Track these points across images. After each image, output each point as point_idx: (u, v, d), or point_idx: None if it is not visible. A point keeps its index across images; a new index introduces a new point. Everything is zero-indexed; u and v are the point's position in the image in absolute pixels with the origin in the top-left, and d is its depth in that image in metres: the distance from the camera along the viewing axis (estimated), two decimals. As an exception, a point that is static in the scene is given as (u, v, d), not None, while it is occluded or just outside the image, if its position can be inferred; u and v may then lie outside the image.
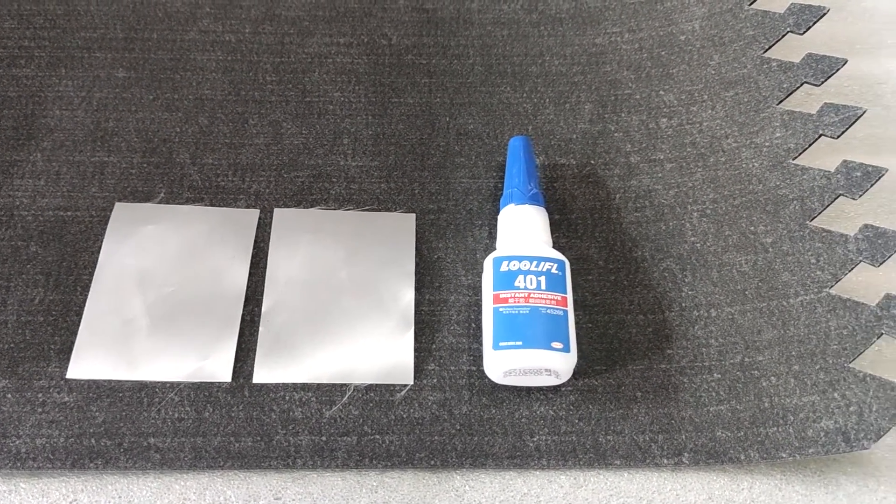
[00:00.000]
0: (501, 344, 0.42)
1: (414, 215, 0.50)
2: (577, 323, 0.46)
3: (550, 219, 0.50)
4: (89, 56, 0.55)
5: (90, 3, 0.57)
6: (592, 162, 0.52)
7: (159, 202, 0.49)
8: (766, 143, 0.50)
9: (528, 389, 0.44)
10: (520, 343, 0.42)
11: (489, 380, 0.44)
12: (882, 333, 0.42)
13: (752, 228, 0.48)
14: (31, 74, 0.54)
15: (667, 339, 0.46)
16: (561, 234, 0.50)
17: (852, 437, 0.41)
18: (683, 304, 0.47)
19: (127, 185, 0.50)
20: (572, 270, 0.48)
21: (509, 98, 0.55)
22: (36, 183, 0.49)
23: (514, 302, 0.43)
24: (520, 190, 0.48)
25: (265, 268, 0.47)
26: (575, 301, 0.47)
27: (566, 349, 0.42)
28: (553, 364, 0.42)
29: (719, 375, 0.44)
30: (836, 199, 0.47)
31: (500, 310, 0.43)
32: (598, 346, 0.46)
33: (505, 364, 0.42)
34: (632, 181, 0.51)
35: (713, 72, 0.54)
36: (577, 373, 0.45)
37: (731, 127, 0.52)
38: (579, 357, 0.45)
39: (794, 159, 0.49)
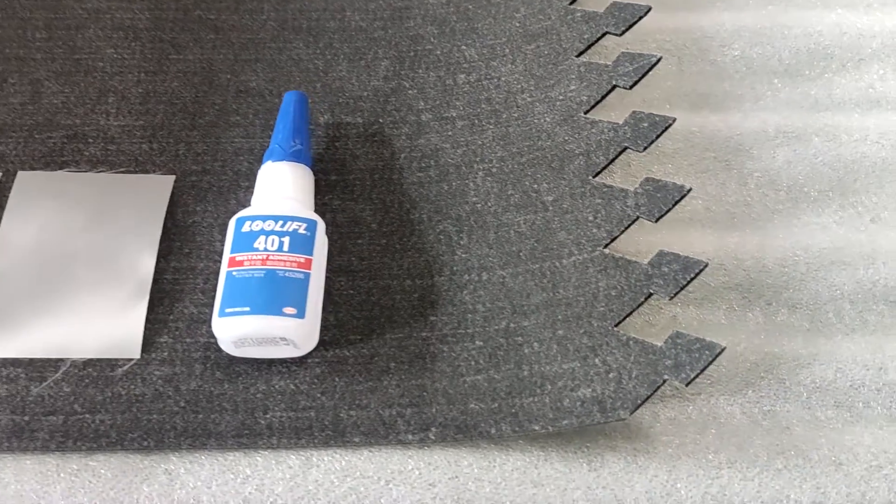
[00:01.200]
0: (228, 310, 0.38)
1: (173, 178, 0.45)
2: (337, 289, 0.42)
3: (326, 179, 0.46)
4: None
5: None
6: (381, 121, 0.48)
7: None
8: (560, 97, 0.46)
9: (270, 362, 0.40)
10: (247, 309, 0.38)
11: (227, 353, 0.40)
12: (651, 293, 0.38)
13: (536, 186, 0.44)
14: None
15: (432, 306, 0.41)
16: (335, 195, 0.45)
17: (608, 407, 0.36)
18: (455, 268, 0.43)
19: None
20: (342, 234, 0.44)
21: (300, 54, 0.51)
22: None
23: (250, 264, 0.39)
24: (281, 146, 0.44)
25: (-5, 234, 0.42)
26: (339, 266, 0.43)
27: (300, 315, 0.38)
28: (285, 332, 0.38)
29: (481, 343, 0.40)
30: (621, 151, 0.43)
31: (234, 273, 0.39)
32: (357, 314, 0.41)
33: (230, 332, 0.38)
34: (420, 140, 0.47)
35: (518, 24, 0.50)
36: (328, 343, 0.40)
37: (529, 81, 0.48)
38: (333, 326, 0.41)
39: (585, 112, 0.45)
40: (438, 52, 0.51)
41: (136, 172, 0.46)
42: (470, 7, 0.52)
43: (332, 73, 0.50)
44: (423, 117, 0.48)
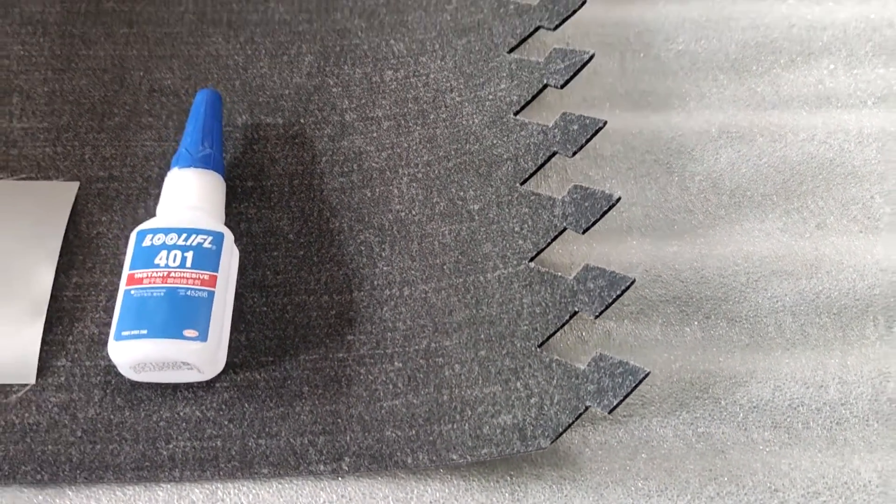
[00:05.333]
0: (124, 333, 0.35)
1: (76, 184, 0.43)
2: (249, 307, 0.39)
3: (242, 186, 0.43)
4: None
5: None
6: (302, 121, 0.45)
7: None
8: (490, 97, 0.44)
9: (175, 387, 0.37)
10: (144, 332, 0.35)
11: (129, 378, 0.37)
12: (576, 311, 0.36)
13: (462, 194, 0.42)
14: None
15: (350, 324, 0.39)
16: (251, 203, 0.43)
17: (529, 435, 0.34)
18: (375, 283, 0.40)
19: None
20: (258, 246, 0.41)
21: (220, 50, 0.48)
22: None
23: (150, 282, 0.36)
24: (188, 150, 0.41)
25: None
26: (252, 281, 0.40)
27: (202, 338, 0.35)
28: (186, 356, 0.35)
29: (400, 364, 0.38)
30: (550, 156, 0.41)
31: (132, 292, 0.36)
32: (270, 334, 0.39)
33: (126, 356, 0.35)
34: (343, 142, 0.45)
35: (449, 18, 0.48)
36: (238, 365, 0.38)
37: (458, 79, 0.45)
38: (244, 347, 0.38)
39: (515, 113, 0.43)
40: (365, 47, 0.48)
41: (37, 179, 0.43)
42: (401, -2, 0.49)
43: (252, 70, 0.47)
44: (347, 117, 0.45)
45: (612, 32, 0.51)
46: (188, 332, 0.35)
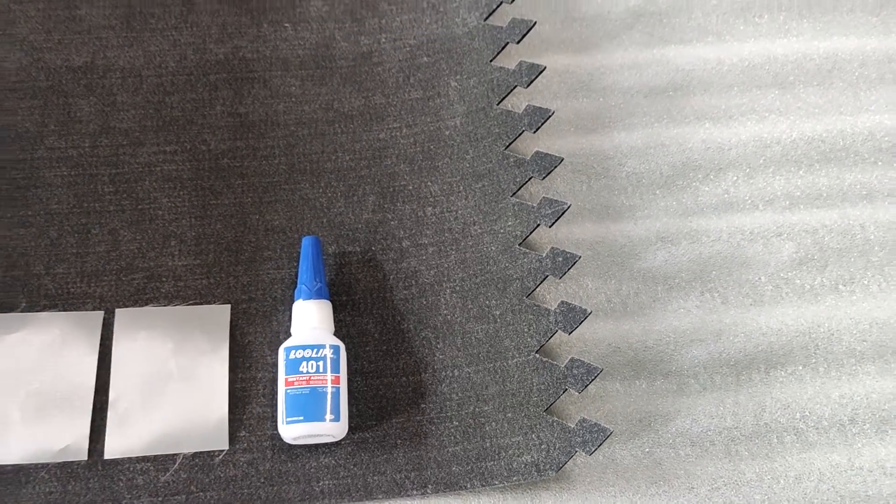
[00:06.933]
0: (288, 419, 0.57)
1: (229, 306, 0.63)
2: (355, 388, 0.61)
3: (338, 300, 0.64)
4: (-48, 179, 0.66)
5: None
6: (373, 248, 0.66)
7: (21, 312, 0.62)
8: (502, 230, 0.65)
9: (317, 445, 0.59)
10: (301, 418, 0.57)
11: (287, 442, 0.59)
12: (566, 388, 0.59)
13: (487, 302, 0.63)
14: None
15: (422, 396, 0.61)
16: (346, 313, 0.64)
17: (541, 468, 0.57)
18: (435, 367, 0.62)
19: (-7, 299, 0.62)
20: (355, 343, 0.63)
21: (308, 194, 0.68)
22: None
23: (299, 384, 0.58)
24: (307, 286, 0.62)
25: (111, 362, 0.60)
26: (355, 369, 0.62)
27: (336, 419, 0.57)
28: (328, 431, 0.57)
29: (457, 423, 0.60)
30: (544, 278, 0.62)
31: (289, 391, 0.58)
32: (371, 406, 0.61)
33: (292, 434, 0.57)
34: (402, 264, 0.66)
35: (468, 165, 0.69)
36: (354, 428, 0.60)
37: (478, 215, 0.66)
38: (356, 415, 0.60)
39: (519, 244, 0.64)
40: (410, 188, 0.69)
41: (201, 304, 0.63)
42: (432, 147, 0.70)
43: (333, 210, 0.68)
44: (403, 244, 0.66)
45: (581, 161, 0.72)
46: (328, 416, 0.57)
